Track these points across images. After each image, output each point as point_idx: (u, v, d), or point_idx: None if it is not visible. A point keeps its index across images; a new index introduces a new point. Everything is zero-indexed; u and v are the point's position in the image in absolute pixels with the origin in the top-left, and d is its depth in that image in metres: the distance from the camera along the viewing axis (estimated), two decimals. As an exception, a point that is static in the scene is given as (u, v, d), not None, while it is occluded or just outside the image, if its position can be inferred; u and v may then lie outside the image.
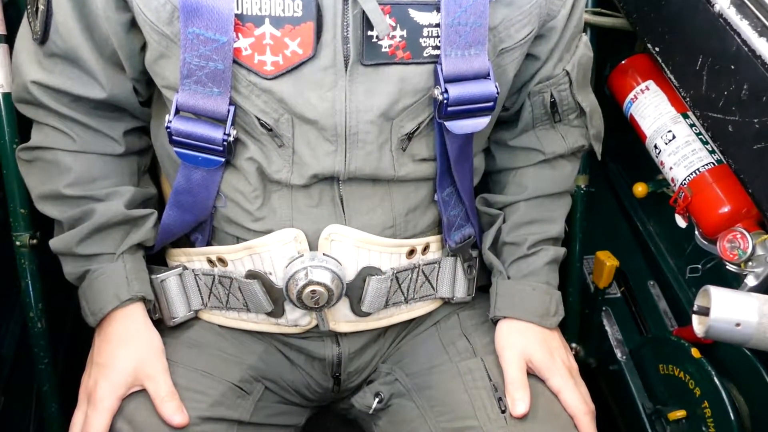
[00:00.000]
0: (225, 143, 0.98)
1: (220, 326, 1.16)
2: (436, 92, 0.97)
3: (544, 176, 1.19)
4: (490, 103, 1.00)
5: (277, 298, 1.08)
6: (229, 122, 0.97)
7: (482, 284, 1.24)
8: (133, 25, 0.99)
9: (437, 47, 0.97)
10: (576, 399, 1.08)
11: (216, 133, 0.97)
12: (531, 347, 1.11)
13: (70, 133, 1.07)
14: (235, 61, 0.94)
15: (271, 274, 1.06)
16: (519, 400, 1.04)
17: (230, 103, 0.96)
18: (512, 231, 1.17)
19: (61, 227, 1.09)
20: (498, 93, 0.99)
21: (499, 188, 1.23)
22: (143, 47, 1.02)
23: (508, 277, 1.16)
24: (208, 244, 1.12)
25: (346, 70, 0.95)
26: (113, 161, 1.10)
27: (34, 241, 1.22)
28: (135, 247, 1.09)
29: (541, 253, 1.16)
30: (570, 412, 1.07)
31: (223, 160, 1.00)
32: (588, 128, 1.19)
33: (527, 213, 1.18)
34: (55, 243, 1.08)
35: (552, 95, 1.13)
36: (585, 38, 1.16)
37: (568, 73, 1.12)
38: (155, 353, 1.05)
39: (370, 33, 0.94)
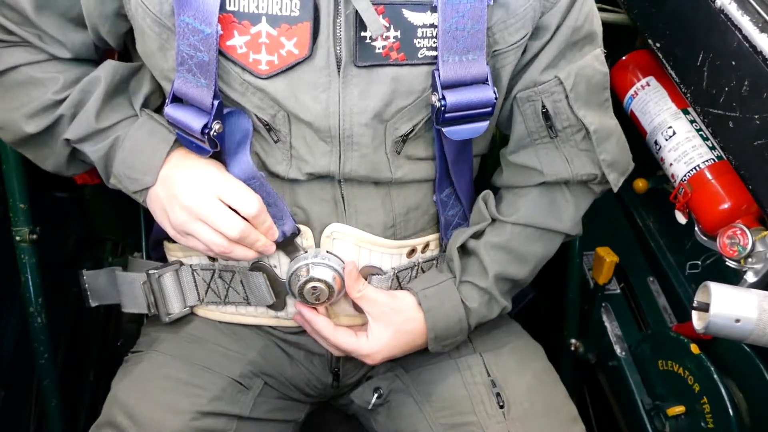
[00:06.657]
0: (206, 135, 0.94)
1: (219, 322, 1.16)
2: (434, 99, 0.96)
3: (540, 204, 1.11)
4: (488, 109, 0.98)
5: (279, 291, 1.08)
6: (211, 115, 0.93)
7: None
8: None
9: (432, 48, 0.95)
10: None
11: (197, 124, 0.93)
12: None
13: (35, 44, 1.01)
14: (229, 59, 0.93)
15: (276, 267, 1.06)
16: None
17: (216, 98, 0.93)
18: (488, 249, 1.10)
19: (55, 131, 1.02)
20: (497, 98, 0.97)
21: (497, 201, 1.15)
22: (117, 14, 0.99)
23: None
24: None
25: (339, 72, 0.94)
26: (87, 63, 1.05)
27: (34, 236, 1.22)
28: (146, 103, 1.04)
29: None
30: None
31: (211, 151, 0.96)
32: (597, 152, 1.06)
33: (509, 240, 1.10)
34: (73, 132, 1.00)
35: (544, 105, 1.04)
36: (598, 53, 1.06)
37: (561, 82, 1.03)
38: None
39: (363, 33, 0.93)
